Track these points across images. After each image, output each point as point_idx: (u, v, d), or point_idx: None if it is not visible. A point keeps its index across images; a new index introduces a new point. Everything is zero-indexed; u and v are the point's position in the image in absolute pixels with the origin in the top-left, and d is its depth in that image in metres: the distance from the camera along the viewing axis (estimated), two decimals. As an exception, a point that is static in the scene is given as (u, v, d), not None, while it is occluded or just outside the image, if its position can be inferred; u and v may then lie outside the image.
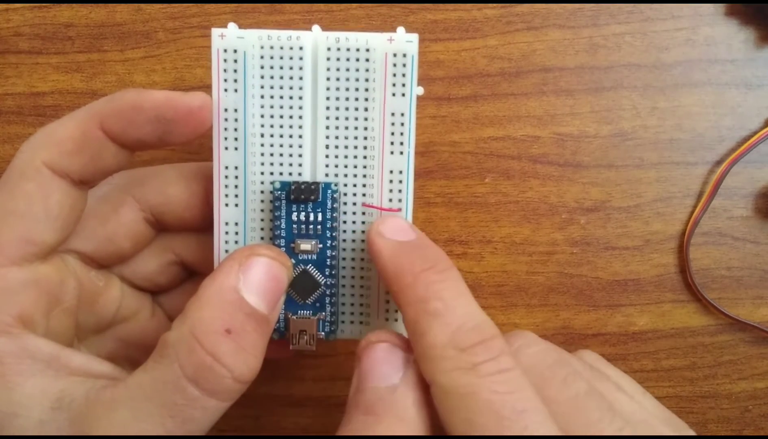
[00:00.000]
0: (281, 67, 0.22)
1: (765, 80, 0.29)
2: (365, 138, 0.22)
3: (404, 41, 0.22)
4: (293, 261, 0.22)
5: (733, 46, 0.29)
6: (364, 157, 0.22)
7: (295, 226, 0.22)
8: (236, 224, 0.23)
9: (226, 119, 0.22)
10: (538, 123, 0.29)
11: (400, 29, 0.22)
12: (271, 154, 0.22)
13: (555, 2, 0.29)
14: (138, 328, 0.25)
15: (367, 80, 0.22)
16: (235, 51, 0.22)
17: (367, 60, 0.22)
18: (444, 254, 0.20)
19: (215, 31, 0.22)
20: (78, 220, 0.22)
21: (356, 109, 0.22)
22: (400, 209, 0.23)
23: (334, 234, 0.22)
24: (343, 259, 0.23)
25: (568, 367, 0.20)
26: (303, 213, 0.22)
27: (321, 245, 0.22)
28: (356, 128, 0.22)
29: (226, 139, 0.22)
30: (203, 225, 0.24)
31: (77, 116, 0.21)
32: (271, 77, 0.22)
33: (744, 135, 0.29)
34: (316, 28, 0.22)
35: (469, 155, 0.29)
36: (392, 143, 0.22)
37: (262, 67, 0.22)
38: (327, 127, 0.22)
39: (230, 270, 0.20)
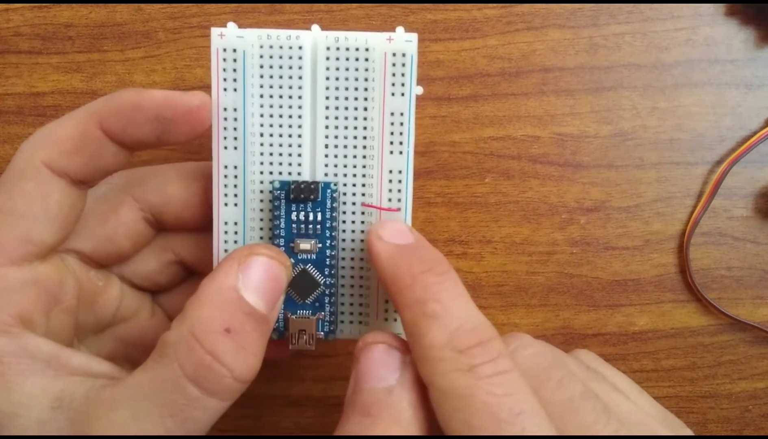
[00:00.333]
0: (281, 67, 0.22)
1: (765, 80, 0.29)
2: (365, 138, 0.22)
3: (403, 41, 0.22)
4: (292, 261, 0.22)
5: (733, 46, 0.29)
6: (364, 157, 0.22)
7: (294, 225, 0.22)
8: (236, 223, 0.23)
9: (225, 119, 0.22)
10: (538, 123, 0.29)
11: (400, 29, 0.22)
12: (271, 154, 0.22)
13: (555, 2, 0.29)
14: (138, 328, 0.25)
15: (366, 80, 0.22)
16: (235, 50, 0.22)
17: (367, 59, 0.22)
18: (442, 256, 0.20)
19: (214, 31, 0.22)
20: (77, 219, 0.22)
21: (356, 108, 0.22)
22: (399, 209, 0.23)
23: (333, 234, 0.22)
24: (343, 259, 0.23)
25: (564, 369, 0.20)
26: (302, 212, 0.22)
27: (320, 245, 0.22)
28: (356, 128, 0.22)
29: (225, 138, 0.22)
30: (203, 225, 0.24)
31: (76, 116, 0.21)
32: (271, 77, 0.22)
33: (744, 135, 0.29)
34: (315, 27, 0.22)
35: (469, 155, 0.29)
36: (392, 143, 0.22)
37: (261, 67, 0.22)
38: (326, 127, 0.22)
39: (229, 269, 0.20)
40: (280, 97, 0.22)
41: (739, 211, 0.29)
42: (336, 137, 0.22)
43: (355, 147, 0.22)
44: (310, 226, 0.22)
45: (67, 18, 0.29)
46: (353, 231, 0.23)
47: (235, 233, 0.23)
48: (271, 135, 0.22)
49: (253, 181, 0.22)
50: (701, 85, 0.29)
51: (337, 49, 0.22)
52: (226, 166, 0.22)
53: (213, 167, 0.22)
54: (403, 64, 0.22)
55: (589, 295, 0.29)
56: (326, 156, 0.22)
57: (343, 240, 0.23)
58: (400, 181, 0.22)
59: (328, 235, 0.22)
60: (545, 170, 0.29)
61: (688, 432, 0.21)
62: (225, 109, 0.22)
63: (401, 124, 0.22)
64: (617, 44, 0.29)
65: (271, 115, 0.22)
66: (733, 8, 0.29)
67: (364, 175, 0.22)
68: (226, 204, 0.23)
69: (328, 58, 0.22)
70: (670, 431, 0.20)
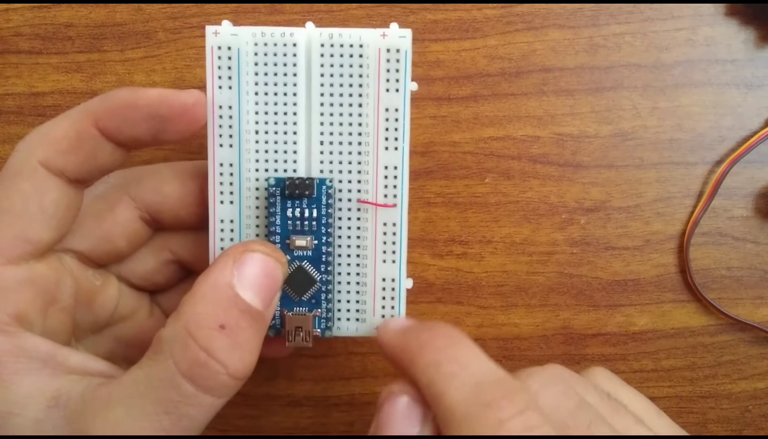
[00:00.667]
0: (275, 64, 0.22)
1: (765, 80, 0.29)
2: (359, 134, 0.22)
3: (397, 37, 0.22)
4: (288, 257, 0.22)
5: (733, 46, 0.29)
6: (359, 153, 0.22)
7: (290, 222, 0.22)
8: (231, 221, 0.23)
9: (220, 116, 0.22)
10: (538, 123, 0.29)
11: (394, 25, 0.22)
12: (266, 151, 0.22)
13: (555, 2, 0.29)
14: (136, 327, 0.25)
15: (360, 76, 0.22)
16: (229, 48, 0.22)
17: (361, 56, 0.22)
18: (449, 324, 0.20)
19: (209, 29, 0.22)
20: (74, 219, 0.22)
21: (350, 104, 0.22)
22: (395, 205, 0.23)
23: (329, 230, 0.22)
24: (339, 255, 0.23)
25: (589, 411, 0.19)
26: (298, 209, 0.22)
27: (316, 241, 0.22)
28: (350, 124, 0.22)
29: (220, 136, 0.22)
30: (200, 223, 0.24)
31: (72, 115, 0.21)
32: (265, 74, 0.22)
33: (744, 135, 0.29)
34: (309, 24, 0.22)
35: (469, 155, 0.29)
36: (386, 139, 0.22)
37: (256, 64, 0.22)
38: (321, 123, 0.22)
39: (224, 266, 0.20)
40: (275, 94, 0.22)
41: (739, 211, 0.29)
42: (331, 134, 0.22)
43: (350, 143, 0.22)
44: (306, 222, 0.22)
45: (67, 18, 0.29)
46: (349, 227, 0.23)
47: (231, 230, 0.23)
48: (266, 132, 0.22)
49: (249, 179, 0.22)
50: (701, 85, 0.29)
51: (332, 45, 0.22)
52: (221, 164, 0.22)
53: (208, 165, 0.22)
54: (398, 60, 0.22)
55: (589, 295, 0.29)
56: (321, 153, 0.22)
57: (339, 237, 0.23)
58: (395, 177, 0.22)
59: (323, 231, 0.22)
60: (545, 170, 0.29)
61: None
62: (220, 106, 0.22)
63: (396, 119, 0.22)
64: (617, 44, 0.29)
65: (266, 113, 0.22)
66: (733, 8, 0.29)
67: (359, 172, 0.22)
68: (221, 202, 0.23)
69: (322, 55, 0.22)
70: None
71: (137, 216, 0.23)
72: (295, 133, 0.22)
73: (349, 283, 0.23)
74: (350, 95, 0.22)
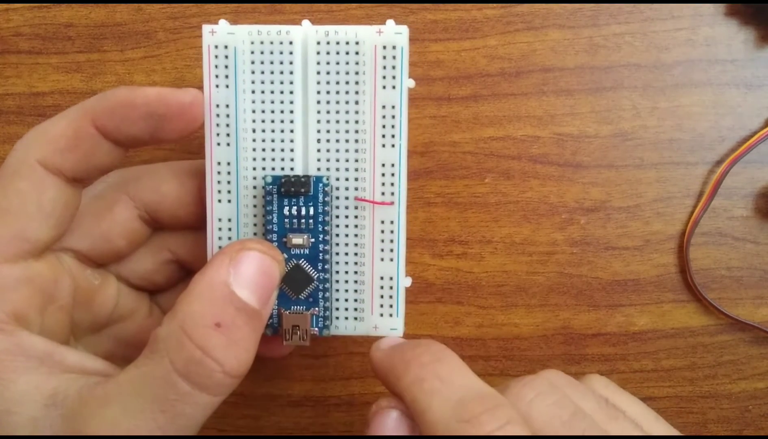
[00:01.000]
0: (272, 62, 0.22)
1: (765, 80, 0.29)
2: (357, 131, 0.22)
3: (393, 33, 0.22)
4: (285, 256, 0.22)
5: (733, 46, 0.29)
6: (356, 151, 0.22)
7: (287, 220, 0.22)
8: (229, 219, 0.23)
9: (217, 115, 0.22)
10: (538, 123, 0.29)
11: (390, 21, 0.22)
12: (263, 149, 0.22)
13: (555, 2, 0.29)
14: (135, 327, 0.25)
15: (357, 73, 0.22)
16: (226, 47, 0.22)
17: (357, 53, 0.22)
18: (437, 342, 0.20)
19: (206, 28, 0.22)
20: (72, 218, 0.22)
21: (347, 102, 0.22)
22: (393, 203, 0.23)
23: (326, 228, 0.22)
24: (337, 254, 0.23)
25: (584, 421, 0.19)
26: (294, 207, 0.22)
27: (313, 240, 0.22)
28: (347, 122, 0.22)
29: (218, 134, 0.22)
30: (198, 223, 0.24)
31: (70, 114, 0.21)
32: (262, 72, 0.22)
33: (744, 135, 0.29)
34: (305, 22, 0.22)
35: (469, 155, 0.29)
36: (384, 136, 0.22)
37: (252, 63, 0.22)
38: (318, 121, 0.22)
39: (221, 265, 0.20)
40: (272, 92, 0.22)
41: (739, 211, 0.29)
42: (328, 131, 0.22)
43: (347, 141, 0.22)
44: (303, 220, 0.22)
45: (67, 18, 0.29)
46: (347, 226, 0.23)
47: (229, 229, 0.23)
48: (264, 131, 0.22)
49: (246, 177, 0.22)
50: (701, 85, 0.29)
51: (328, 43, 0.22)
52: (219, 163, 0.22)
53: (206, 164, 0.22)
54: (394, 57, 0.22)
55: (589, 295, 0.29)
56: (318, 150, 0.22)
57: (337, 235, 0.23)
58: (393, 175, 0.22)
59: (321, 229, 0.22)
60: (545, 170, 0.29)
61: None
62: (217, 105, 0.22)
63: (393, 116, 0.22)
64: (617, 44, 0.29)
65: (263, 111, 0.22)
66: (733, 8, 0.29)
67: (356, 169, 0.22)
68: (219, 201, 0.23)
69: (318, 53, 0.22)
70: None
71: (136, 215, 0.24)
72: (292, 131, 0.22)
73: (347, 281, 0.23)
74: (347, 93, 0.22)
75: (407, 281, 0.23)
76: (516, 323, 0.29)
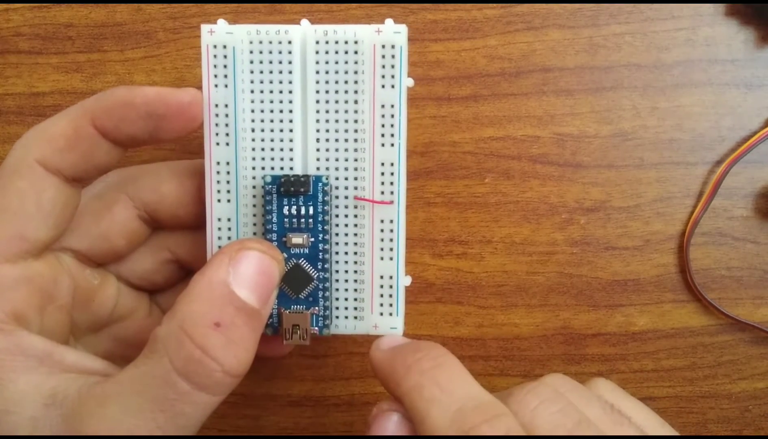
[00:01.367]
0: (270, 62, 0.22)
1: (765, 80, 0.29)
2: (356, 131, 0.22)
3: (392, 32, 0.22)
4: (285, 255, 0.22)
5: (733, 46, 0.29)
6: (355, 150, 0.22)
7: (286, 220, 0.22)
8: (229, 219, 0.23)
9: (216, 115, 0.22)
10: (538, 123, 0.29)
11: (389, 21, 0.22)
12: (262, 149, 0.22)
13: (555, 2, 0.29)
14: (135, 327, 0.25)
15: (356, 72, 0.22)
16: (225, 46, 0.22)
17: (356, 52, 0.22)
18: (439, 345, 0.20)
19: (204, 28, 0.22)
20: (71, 217, 0.22)
21: (346, 101, 0.22)
22: (392, 202, 0.23)
23: (326, 227, 0.22)
24: (336, 253, 0.23)
25: (589, 429, 0.19)
26: (294, 207, 0.22)
27: (313, 239, 0.22)
28: (346, 121, 0.22)
29: (217, 134, 0.22)
30: (198, 222, 0.24)
31: (69, 114, 0.21)
32: (261, 72, 0.22)
33: (744, 135, 0.29)
34: (304, 21, 0.22)
35: (469, 155, 0.29)
36: (383, 135, 0.22)
37: (251, 62, 0.22)
38: (317, 121, 0.22)
39: (220, 264, 0.20)
40: (271, 91, 0.22)
41: (739, 212, 0.29)
42: (327, 131, 0.22)
43: (346, 140, 0.22)
44: (302, 220, 0.22)
45: (67, 18, 0.29)
46: (346, 225, 0.23)
47: (229, 229, 0.23)
48: (263, 130, 0.22)
49: (246, 177, 0.22)
50: (701, 85, 0.29)
51: (326, 42, 0.22)
52: (218, 163, 0.22)
53: (205, 164, 0.22)
54: (393, 56, 0.22)
55: (589, 295, 0.29)
56: (318, 150, 0.22)
57: (336, 234, 0.23)
58: (392, 174, 0.22)
59: (320, 229, 0.22)
60: (545, 170, 0.29)
61: None
62: (216, 105, 0.22)
63: (392, 116, 0.22)
64: (617, 44, 0.29)
65: (262, 110, 0.22)
66: (733, 8, 0.29)
67: (356, 169, 0.22)
68: (219, 200, 0.23)
69: (317, 52, 0.22)
70: None
71: (135, 215, 0.24)
72: (291, 130, 0.22)
73: (346, 280, 0.23)
74: (346, 92, 0.22)
75: (407, 280, 0.23)
76: (516, 323, 0.29)
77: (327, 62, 0.22)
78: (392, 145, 0.22)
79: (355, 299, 0.23)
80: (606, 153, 0.29)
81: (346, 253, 0.23)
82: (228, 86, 0.22)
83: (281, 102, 0.22)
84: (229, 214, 0.23)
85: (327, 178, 0.22)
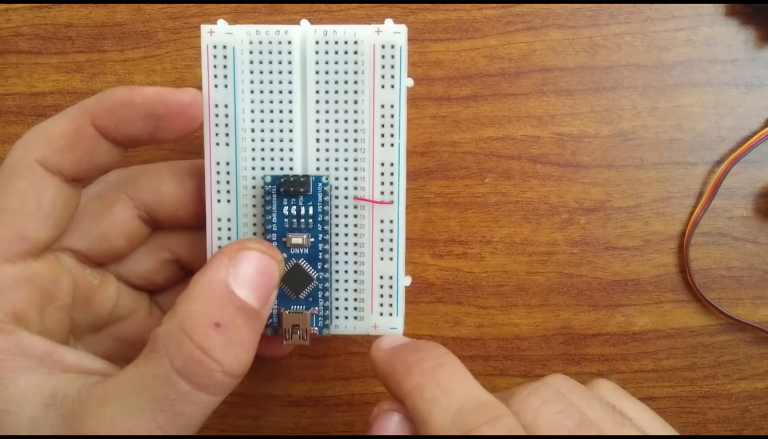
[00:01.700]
0: (270, 62, 0.22)
1: (765, 80, 0.29)
2: (356, 131, 0.22)
3: (392, 32, 0.22)
4: (285, 255, 0.22)
5: (733, 46, 0.29)
6: (355, 150, 0.22)
7: (286, 220, 0.22)
8: (229, 219, 0.23)
9: (216, 115, 0.22)
10: (538, 123, 0.29)
11: (388, 21, 0.22)
12: (262, 149, 0.22)
13: (555, 2, 0.29)
14: (135, 327, 0.25)
15: (356, 73, 0.22)
16: (224, 47, 0.22)
17: (356, 52, 0.22)
18: (439, 345, 0.20)
19: (204, 28, 0.22)
20: (71, 217, 0.22)
21: (346, 101, 0.22)
22: (392, 202, 0.23)
23: (325, 228, 0.22)
24: (336, 253, 0.23)
25: (590, 429, 0.19)
26: (294, 207, 0.22)
27: (313, 239, 0.22)
28: (346, 121, 0.22)
29: (217, 134, 0.22)
30: (198, 222, 0.24)
31: (69, 114, 0.21)
32: (261, 72, 0.22)
33: (744, 135, 0.29)
34: (304, 22, 0.22)
35: (469, 155, 0.29)
36: (383, 135, 0.22)
37: (251, 63, 0.22)
38: (317, 121, 0.22)
39: (220, 264, 0.20)
40: (271, 92, 0.22)
41: (739, 212, 0.29)
42: (327, 131, 0.22)
43: (346, 140, 0.22)
44: (302, 220, 0.22)
45: (67, 18, 0.29)
46: (346, 225, 0.23)
47: (229, 229, 0.23)
48: (263, 130, 0.22)
49: (245, 177, 0.22)
50: (701, 85, 0.29)
51: (326, 42, 0.22)
52: (218, 163, 0.22)
53: (205, 164, 0.22)
54: (392, 56, 0.22)
55: (589, 295, 0.29)
56: (317, 150, 0.22)
57: (336, 234, 0.23)
58: (392, 174, 0.22)
59: (320, 229, 0.22)
60: (545, 170, 0.29)
61: None
62: (216, 105, 0.22)
63: (392, 116, 0.22)
64: (617, 44, 0.29)
65: (262, 111, 0.22)
66: (733, 8, 0.29)
67: (356, 169, 0.22)
68: (218, 200, 0.23)
69: (317, 52, 0.22)
70: None
71: (135, 215, 0.24)
72: (291, 130, 0.22)
73: (346, 280, 0.23)
74: (346, 92, 0.22)
75: (407, 280, 0.23)
76: (516, 323, 0.29)
77: (327, 62, 0.22)
78: (392, 145, 0.22)
79: (355, 299, 0.23)
80: (606, 153, 0.29)
81: (346, 253, 0.23)
82: (228, 86, 0.22)
83: (281, 102, 0.22)
84: (229, 214, 0.23)
85: (327, 179, 0.22)
